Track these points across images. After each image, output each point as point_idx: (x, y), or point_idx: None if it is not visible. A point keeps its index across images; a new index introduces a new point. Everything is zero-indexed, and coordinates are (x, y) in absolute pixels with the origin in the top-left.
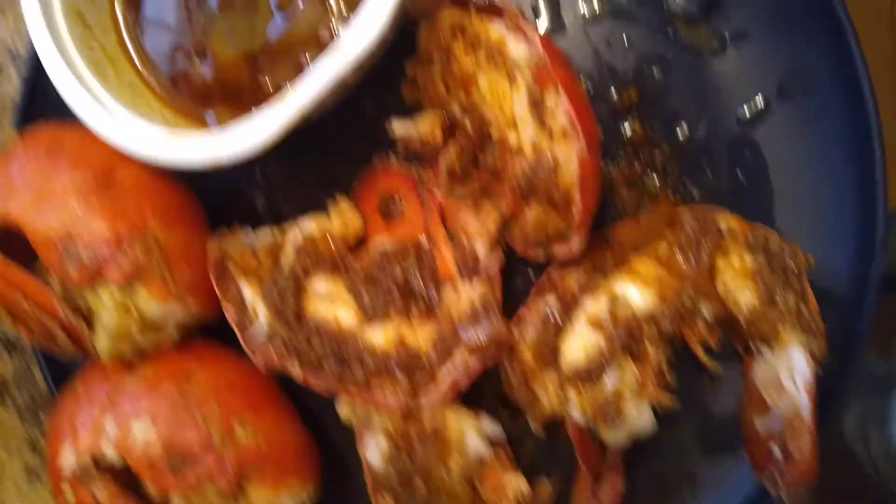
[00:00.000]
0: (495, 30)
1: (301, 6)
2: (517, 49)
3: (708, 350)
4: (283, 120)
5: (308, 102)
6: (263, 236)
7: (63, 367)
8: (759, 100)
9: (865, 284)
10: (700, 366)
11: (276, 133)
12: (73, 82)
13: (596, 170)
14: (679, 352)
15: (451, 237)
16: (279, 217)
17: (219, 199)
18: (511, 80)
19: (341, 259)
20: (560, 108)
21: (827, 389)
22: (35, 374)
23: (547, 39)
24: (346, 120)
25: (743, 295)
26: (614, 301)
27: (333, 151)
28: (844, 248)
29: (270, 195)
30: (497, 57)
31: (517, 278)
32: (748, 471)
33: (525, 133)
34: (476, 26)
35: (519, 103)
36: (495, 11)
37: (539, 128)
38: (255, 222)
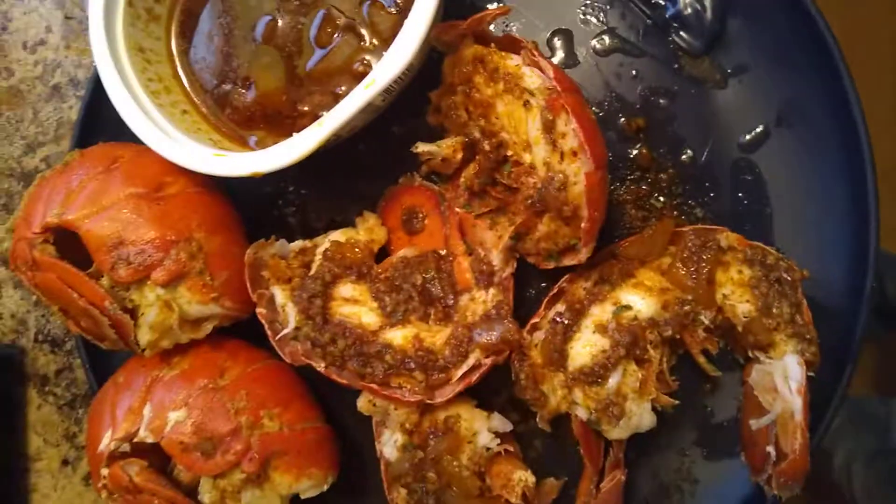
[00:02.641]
0: (513, 63)
1: (337, 42)
2: (532, 79)
3: (709, 357)
4: (316, 139)
5: (340, 124)
6: (295, 245)
7: (103, 364)
8: (759, 128)
9: (860, 295)
10: (703, 374)
11: (309, 149)
12: (133, 107)
13: (602, 185)
14: (683, 360)
15: (470, 250)
16: (311, 232)
17: (257, 214)
18: (526, 107)
19: (366, 267)
20: (570, 130)
21: (821, 394)
22: (75, 372)
23: (560, 71)
24: (375, 144)
25: (741, 305)
26: (619, 308)
27: (363, 172)
28: (840, 262)
29: (303, 212)
30: (514, 87)
31: (531, 290)
32: (746, 473)
33: (538, 154)
34: (496, 60)
35: (533, 127)
36: (514, 46)
37: (551, 149)
38: (289, 237)
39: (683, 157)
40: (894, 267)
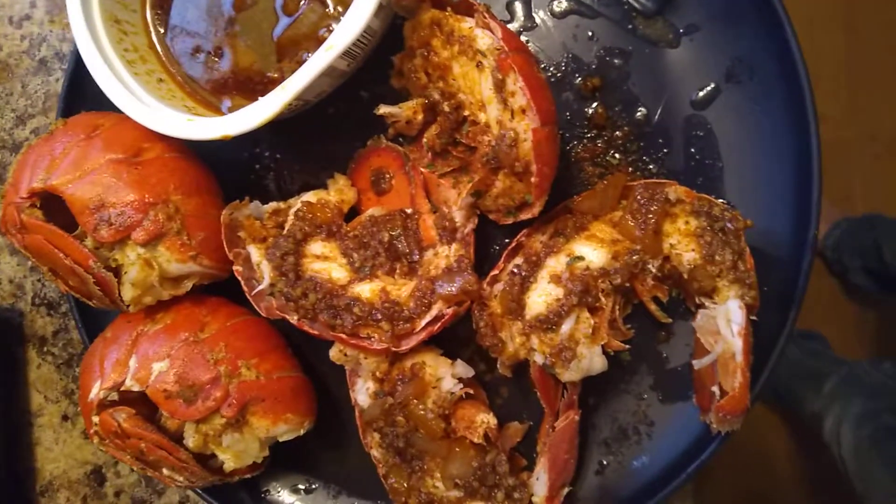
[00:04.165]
0: (467, 25)
1: (303, 10)
2: (484, 41)
3: (660, 305)
4: (280, 102)
5: (302, 87)
6: (269, 207)
7: (95, 325)
8: (710, 85)
9: (804, 245)
10: (658, 323)
11: (274, 112)
12: (110, 77)
13: (550, 141)
14: (641, 311)
15: (434, 209)
16: (287, 194)
17: (234, 179)
18: (479, 67)
19: (336, 225)
20: (518, 89)
21: (767, 338)
22: (71, 333)
23: (509, 32)
24: (344, 108)
25: (687, 253)
26: (572, 259)
27: (333, 136)
28: (786, 212)
29: (279, 175)
30: (468, 49)
31: (495, 246)
32: (698, 414)
33: (492, 113)
34: (451, 23)
35: (486, 87)
36: (468, 9)
37: (503, 108)
38: (267, 199)
39: (638, 114)
40: (893, 232)
